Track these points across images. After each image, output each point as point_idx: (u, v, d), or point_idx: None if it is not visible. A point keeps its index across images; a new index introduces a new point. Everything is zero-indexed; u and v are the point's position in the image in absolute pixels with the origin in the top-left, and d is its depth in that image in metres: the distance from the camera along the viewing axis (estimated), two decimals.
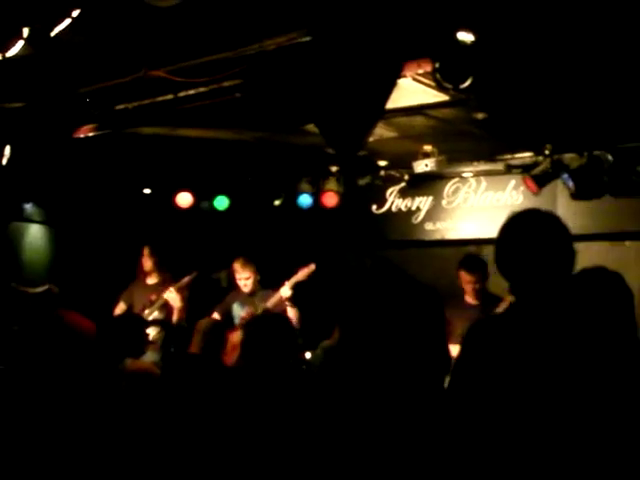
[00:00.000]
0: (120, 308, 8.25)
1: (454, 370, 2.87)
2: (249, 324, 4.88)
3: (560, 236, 2.90)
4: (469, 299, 7.36)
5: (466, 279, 7.33)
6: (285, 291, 7.98)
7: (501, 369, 2.76)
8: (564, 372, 2.68)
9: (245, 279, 8.14)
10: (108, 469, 3.97)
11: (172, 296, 8.10)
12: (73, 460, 3.89)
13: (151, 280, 8.52)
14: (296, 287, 8.01)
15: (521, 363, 2.73)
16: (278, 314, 6.01)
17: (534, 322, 2.80)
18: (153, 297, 8.30)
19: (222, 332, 6.13)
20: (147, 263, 8.48)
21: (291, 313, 7.81)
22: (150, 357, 7.21)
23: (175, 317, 8.12)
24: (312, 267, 8.06)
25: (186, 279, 8.33)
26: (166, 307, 8.25)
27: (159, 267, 8.50)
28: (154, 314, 8.22)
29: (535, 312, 2.82)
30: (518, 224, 2.96)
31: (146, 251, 8.48)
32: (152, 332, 7.62)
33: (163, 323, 8.22)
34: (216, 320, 7.44)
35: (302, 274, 8.04)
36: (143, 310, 8.10)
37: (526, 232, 2.91)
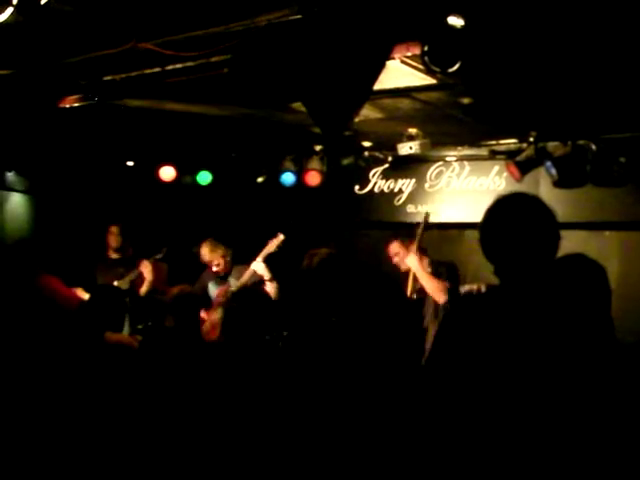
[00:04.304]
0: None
1: (432, 349, 2.91)
2: (227, 301, 4.89)
3: (545, 220, 2.93)
4: None
5: None
6: (256, 265, 7.93)
7: (478, 349, 2.80)
8: (539, 354, 2.72)
9: (216, 265, 8.14)
10: (86, 440, 4.01)
11: (148, 269, 8.25)
12: (52, 431, 3.92)
13: (116, 255, 8.60)
14: (267, 260, 7.98)
15: (498, 344, 2.77)
16: (254, 290, 5.99)
17: (513, 304, 2.84)
18: (120, 270, 8.37)
19: (193, 301, 5.88)
20: (115, 240, 8.57)
21: (269, 287, 7.77)
22: None
23: (144, 289, 8.26)
24: (281, 237, 7.99)
25: (159, 255, 8.40)
26: (133, 281, 8.37)
27: (125, 244, 8.62)
28: (123, 287, 8.19)
29: (515, 294, 2.86)
30: (503, 207, 2.99)
31: (115, 229, 8.57)
32: None
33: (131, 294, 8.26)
34: (185, 290, 7.41)
35: (271, 245, 7.99)
36: (112, 283, 8.10)
37: (511, 215, 2.94)
